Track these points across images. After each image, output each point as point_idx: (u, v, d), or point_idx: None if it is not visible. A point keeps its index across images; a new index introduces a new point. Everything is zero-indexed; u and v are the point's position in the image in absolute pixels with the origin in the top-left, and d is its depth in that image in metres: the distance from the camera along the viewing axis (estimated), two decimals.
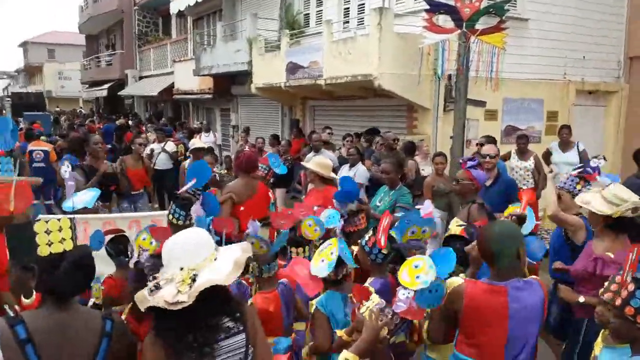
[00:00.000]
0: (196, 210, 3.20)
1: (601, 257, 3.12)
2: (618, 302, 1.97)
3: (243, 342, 1.80)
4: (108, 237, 3.44)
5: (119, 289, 3.23)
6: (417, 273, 2.25)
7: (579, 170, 3.99)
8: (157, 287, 1.70)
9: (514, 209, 3.42)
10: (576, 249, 3.59)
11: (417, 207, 3.61)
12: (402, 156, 6.74)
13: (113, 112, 25.08)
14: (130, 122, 16.94)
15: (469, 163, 4.45)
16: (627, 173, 9.15)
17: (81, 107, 34.78)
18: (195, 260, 1.73)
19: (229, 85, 14.99)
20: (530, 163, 7.48)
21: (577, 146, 7.66)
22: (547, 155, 7.88)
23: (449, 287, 2.38)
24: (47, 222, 1.92)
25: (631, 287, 1.94)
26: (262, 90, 11.97)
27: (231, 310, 1.79)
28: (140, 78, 23.33)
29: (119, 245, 3.44)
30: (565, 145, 7.66)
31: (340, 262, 2.69)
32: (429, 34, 7.79)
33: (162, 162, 9.90)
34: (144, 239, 3.06)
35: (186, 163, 7.09)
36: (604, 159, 4.31)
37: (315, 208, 4.13)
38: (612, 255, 3.11)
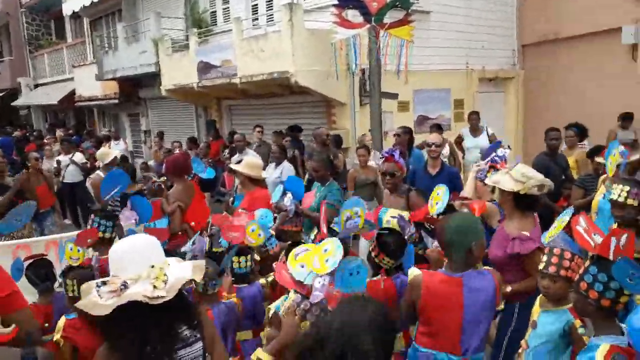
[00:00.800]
0: (127, 217, 3.04)
1: (518, 236, 3.21)
2: (565, 273, 2.18)
3: (200, 351, 1.75)
4: (26, 263, 3.19)
5: (45, 316, 2.99)
6: (326, 257, 2.26)
7: (488, 160, 4.22)
8: (125, 286, 1.60)
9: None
10: (493, 232, 3.81)
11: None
12: (334, 151, 6.82)
13: (7, 124, 23.05)
14: (27, 134, 15.69)
15: (395, 155, 4.53)
16: (529, 151, 9.94)
17: None
18: (161, 259, 1.70)
19: (136, 89, 14.31)
20: (445, 150, 7.81)
21: (487, 130, 8.13)
22: (460, 140, 8.29)
23: (410, 277, 2.48)
24: None
25: (587, 263, 2.01)
26: (173, 92, 11.54)
27: (188, 318, 1.73)
28: (36, 86, 21.61)
29: (40, 270, 3.18)
30: (475, 130, 8.09)
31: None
32: (340, 29, 7.89)
33: (71, 175, 9.25)
34: (71, 249, 3.11)
35: (100, 174, 6.65)
36: (509, 147, 4.62)
37: (240, 210, 4.05)
38: (527, 234, 3.27)
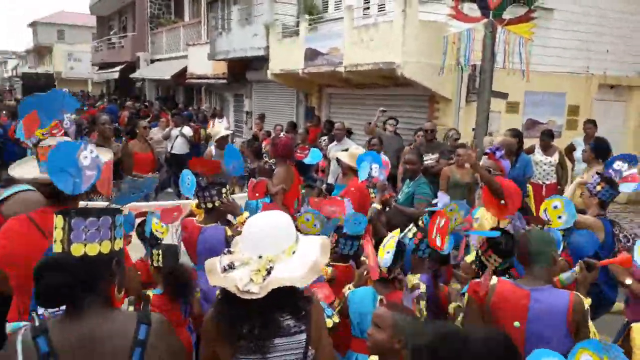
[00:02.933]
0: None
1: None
2: None
3: (303, 343, 1.72)
4: (138, 221, 3.42)
5: (147, 273, 3.20)
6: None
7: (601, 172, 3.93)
8: (231, 266, 1.64)
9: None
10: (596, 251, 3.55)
11: (433, 201, 3.60)
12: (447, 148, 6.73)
13: (123, 94, 25.03)
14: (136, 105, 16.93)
15: (497, 153, 4.37)
16: None
17: (83, 90, 34.52)
18: (275, 251, 1.68)
19: (244, 71, 14.87)
20: (554, 158, 7.38)
21: None
22: (570, 150, 7.76)
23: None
24: (56, 215, 1.61)
25: None
26: (279, 76, 11.85)
27: (295, 308, 1.71)
28: (152, 61, 23.22)
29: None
30: (589, 139, 7.52)
31: (396, 259, 2.61)
32: (455, 22, 7.66)
33: (179, 146, 9.85)
34: (156, 224, 3.18)
35: (212, 150, 7.02)
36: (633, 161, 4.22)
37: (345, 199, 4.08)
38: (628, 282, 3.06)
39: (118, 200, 2.07)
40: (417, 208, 4.49)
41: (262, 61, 12.77)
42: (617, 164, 3.96)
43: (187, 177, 3.52)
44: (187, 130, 10.26)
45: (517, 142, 6.61)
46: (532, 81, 8.94)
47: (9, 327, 2.08)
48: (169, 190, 10.45)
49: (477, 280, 2.76)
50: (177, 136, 10.05)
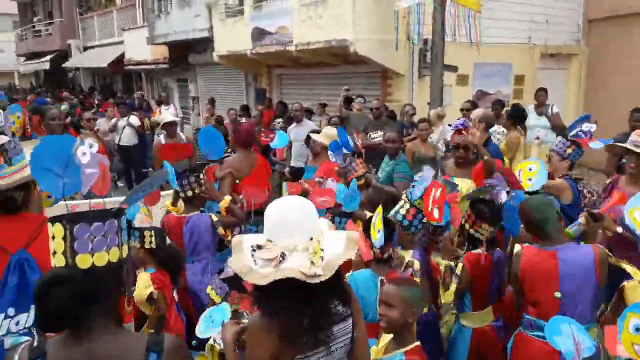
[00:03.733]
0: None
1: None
2: None
3: (350, 328, 1.66)
4: None
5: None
6: None
7: (572, 134, 4.01)
8: (283, 257, 1.52)
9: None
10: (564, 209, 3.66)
11: (417, 176, 3.57)
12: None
13: (55, 85, 23.57)
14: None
15: (467, 125, 4.36)
16: None
17: (10, 82, 32.30)
18: (316, 231, 1.60)
19: (186, 54, 14.33)
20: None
21: (551, 109, 7.77)
22: None
23: (514, 252, 2.60)
24: (52, 224, 1.39)
25: None
26: (226, 58, 11.49)
27: (342, 292, 1.64)
28: (85, 49, 21.98)
29: None
30: (541, 107, 7.75)
31: (388, 237, 2.55)
32: None
33: (127, 138, 9.39)
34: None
35: (161, 138, 6.68)
36: (596, 123, 4.35)
37: (317, 179, 4.00)
38: (619, 230, 3.11)
39: (127, 201, 1.85)
40: (396, 187, 4.45)
41: (205, 43, 12.33)
42: (586, 125, 4.05)
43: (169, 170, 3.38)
44: (134, 120, 9.77)
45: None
46: (480, 53, 9.13)
47: (8, 341, 1.86)
48: (120, 184, 10.00)
49: (475, 251, 2.78)
50: (124, 127, 9.56)
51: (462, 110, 6.83)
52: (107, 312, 1.41)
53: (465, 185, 3.87)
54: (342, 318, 1.62)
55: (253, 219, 3.47)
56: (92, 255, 1.37)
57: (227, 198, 3.57)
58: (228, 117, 10.18)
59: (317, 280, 1.47)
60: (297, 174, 6.66)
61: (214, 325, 2.41)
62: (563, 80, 11.25)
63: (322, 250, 1.53)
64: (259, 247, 1.56)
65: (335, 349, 1.62)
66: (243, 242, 1.62)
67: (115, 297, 1.46)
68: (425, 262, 2.82)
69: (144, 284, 2.90)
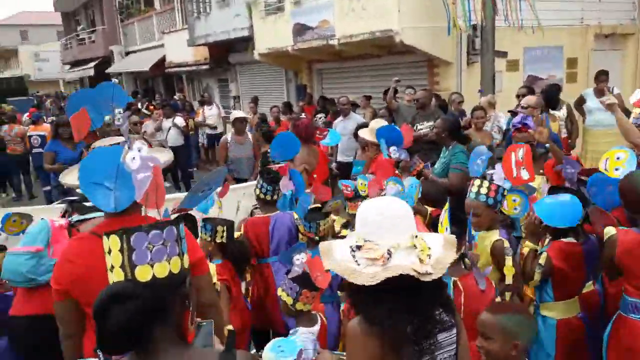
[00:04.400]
0: (286, 185, 3.04)
1: None
2: None
3: (455, 338, 1.53)
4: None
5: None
6: None
7: None
8: (390, 254, 1.40)
9: None
10: None
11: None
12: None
13: None
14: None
15: (527, 122, 4.12)
16: None
17: (57, 91, 33.46)
18: (415, 229, 1.49)
19: (226, 54, 14.38)
20: (563, 112, 7.19)
21: (612, 91, 7.37)
22: (580, 102, 7.60)
23: (605, 236, 2.48)
24: (108, 236, 1.30)
25: None
26: (266, 56, 11.45)
27: (445, 300, 1.52)
28: (127, 53, 22.46)
29: (189, 224, 3.21)
30: (600, 91, 7.35)
31: (458, 235, 2.39)
32: None
33: (173, 139, 9.49)
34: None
35: (228, 136, 6.79)
36: None
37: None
38: None
39: (187, 202, 1.76)
40: (450, 178, 4.27)
41: (246, 42, 12.32)
42: None
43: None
44: (180, 121, 9.90)
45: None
46: (530, 37, 8.76)
47: None
48: (167, 184, 10.15)
49: (564, 240, 2.61)
50: (169, 128, 9.68)
51: (518, 96, 6.53)
52: (172, 329, 1.30)
53: (536, 182, 3.68)
54: (447, 326, 1.50)
55: (309, 216, 3.39)
56: (152, 266, 1.26)
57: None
58: (271, 114, 10.16)
59: (429, 279, 1.36)
60: (345, 168, 6.54)
61: (283, 355, 2.30)
62: (619, 61, 10.69)
63: (429, 248, 1.42)
64: (358, 247, 1.44)
65: (440, 358, 1.49)
66: (333, 248, 1.51)
67: (180, 311, 1.34)
68: (514, 242, 2.68)
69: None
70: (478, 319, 1.98)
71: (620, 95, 7.40)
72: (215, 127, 11.78)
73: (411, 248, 1.41)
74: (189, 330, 1.44)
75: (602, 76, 7.34)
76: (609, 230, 2.49)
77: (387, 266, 1.38)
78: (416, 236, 1.43)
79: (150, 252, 1.26)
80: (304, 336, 2.54)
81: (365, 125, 5.33)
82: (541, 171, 3.84)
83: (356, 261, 1.41)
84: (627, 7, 10.42)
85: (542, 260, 2.58)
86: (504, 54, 8.46)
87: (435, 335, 1.45)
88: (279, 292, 2.61)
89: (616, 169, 2.81)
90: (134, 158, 1.54)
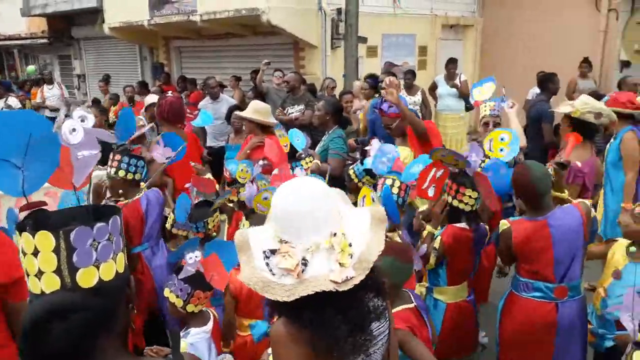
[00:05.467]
0: (162, 153, 2.67)
1: (573, 166, 3.21)
2: None
3: (387, 325, 1.42)
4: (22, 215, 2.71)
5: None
6: None
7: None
8: (305, 263, 1.24)
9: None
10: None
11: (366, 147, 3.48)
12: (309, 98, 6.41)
13: None
14: None
15: (384, 107, 4.21)
16: None
17: None
18: (338, 221, 1.31)
19: (68, 27, 12.87)
20: (418, 97, 7.66)
21: (459, 78, 8.04)
22: (433, 88, 8.17)
23: (500, 229, 2.63)
24: (33, 234, 1.00)
25: None
26: (118, 30, 10.45)
27: (376, 283, 1.36)
28: None
29: None
30: (450, 78, 7.97)
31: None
32: None
33: None
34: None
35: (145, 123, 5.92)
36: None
37: (262, 162, 3.69)
38: (579, 164, 3.27)
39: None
40: (331, 164, 4.24)
41: (91, 15, 11.12)
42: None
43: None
44: (14, 102, 8.63)
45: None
46: (387, 24, 9.20)
47: None
48: None
49: (456, 225, 2.73)
50: (1, 109, 8.38)
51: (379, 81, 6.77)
52: (116, 337, 1.07)
53: (404, 153, 3.81)
54: (379, 313, 1.37)
55: (195, 215, 3.08)
56: (98, 268, 1.01)
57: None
58: (124, 94, 9.36)
59: (350, 286, 1.23)
60: (217, 154, 6.23)
61: None
62: (461, 50, 11.74)
63: (350, 246, 1.27)
64: (273, 252, 1.27)
65: (373, 351, 1.38)
66: (250, 241, 1.32)
67: (125, 316, 1.11)
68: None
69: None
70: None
71: (466, 82, 8.11)
72: (57, 110, 10.55)
73: (330, 250, 1.26)
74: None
75: (451, 64, 7.95)
76: (503, 223, 2.62)
77: (302, 279, 1.23)
78: (335, 234, 1.27)
79: (96, 250, 1.01)
80: (197, 337, 2.33)
81: (237, 107, 5.07)
82: None
83: (270, 270, 1.25)
84: (468, 0, 11.44)
85: (436, 243, 2.66)
86: (364, 40, 8.73)
87: (369, 326, 1.34)
88: (166, 293, 2.35)
89: (501, 150, 2.98)
90: (74, 130, 1.18)
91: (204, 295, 2.35)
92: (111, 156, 2.99)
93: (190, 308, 2.34)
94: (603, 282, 2.64)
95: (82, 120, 1.17)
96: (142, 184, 3.09)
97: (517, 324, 2.58)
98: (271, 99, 6.69)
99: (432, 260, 2.63)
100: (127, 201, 2.94)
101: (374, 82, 6.63)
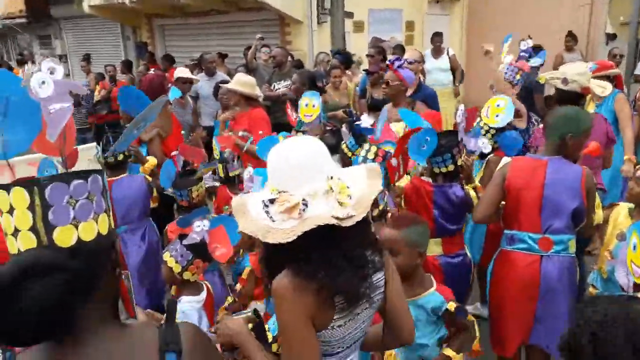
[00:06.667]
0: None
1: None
2: None
3: (383, 279, 1.43)
4: None
5: None
6: None
7: (515, 59, 4.11)
8: (306, 205, 1.24)
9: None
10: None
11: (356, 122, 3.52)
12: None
13: None
14: None
15: (396, 63, 4.26)
16: (471, 77, 10.04)
17: None
18: (332, 166, 1.35)
19: (47, 6, 12.55)
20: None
21: (447, 52, 8.00)
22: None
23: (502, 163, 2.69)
24: (7, 190, 0.95)
25: None
26: (99, 9, 10.23)
27: (371, 240, 1.39)
28: None
29: None
30: (437, 52, 7.93)
31: None
32: None
33: None
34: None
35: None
36: (530, 37, 4.48)
37: (241, 134, 3.68)
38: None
39: (121, 144, 1.37)
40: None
41: None
42: (523, 43, 4.17)
43: None
44: None
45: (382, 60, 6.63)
46: None
47: None
48: None
49: (420, 177, 2.88)
50: None
51: (368, 56, 6.70)
52: (103, 306, 1.03)
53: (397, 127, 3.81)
54: (378, 267, 1.40)
55: (179, 183, 3.08)
56: (77, 227, 0.97)
57: (154, 160, 3.15)
58: (106, 74, 9.21)
59: (352, 222, 1.24)
60: (212, 133, 6.17)
61: None
62: (447, 25, 11.66)
63: (347, 187, 1.29)
64: (272, 201, 1.27)
65: (376, 299, 1.42)
66: (247, 203, 1.33)
67: (111, 282, 1.06)
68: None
69: None
70: (382, 236, 1.99)
71: (455, 56, 8.09)
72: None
73: (329, 192, 1.28)
74: (132, 304, 1.16)
75: (436, 37, 7.90)
76: (505, 159, 2.72)
77: (304, 217, 1.24)
78: (332, 177, 1.29)
79: (73, 208, 0.96)
80: (188, 305, 2.34)
81: (226, 82, 5.00)
82: None
83: (270, 217, 1.25)
84: None
85: (399, 191, 2.79)
86: (350, 15, 8.63)
87: (371, 277, 1.36)
88: (166, 256, 2.34)
89: (496, 116, 3.06)
90: (43, 82, 1.09)
91: (202, 265, 2.35)
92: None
93: (187, 275, 2.34)
94: (608, 245, 2.64)
95: (52, 73, 1.10)
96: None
97: (500, 279, 2.57)
98: (260, 74, 6.61)
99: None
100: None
101: (342, 59, 6.59)
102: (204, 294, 2.43)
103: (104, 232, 1.02)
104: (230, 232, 2.21)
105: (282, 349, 1.37)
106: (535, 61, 4.01)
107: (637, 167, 2.64)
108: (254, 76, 6.44)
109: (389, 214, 2.47)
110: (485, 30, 11.02)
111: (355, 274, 1.29)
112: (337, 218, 1.22)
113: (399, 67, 4.08)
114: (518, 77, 3.94)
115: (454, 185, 2.83)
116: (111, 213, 1.08)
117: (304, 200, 1.24)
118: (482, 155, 3.30)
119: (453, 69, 7.81)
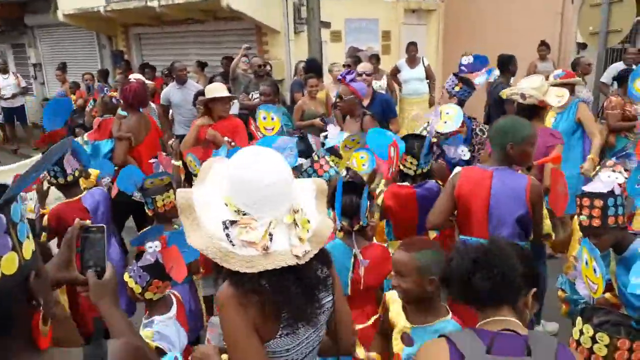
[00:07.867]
0: (69, 162, 2.69)
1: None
2: (597, 222, 2.08)
3: (331, 291, 1.43)
4: None
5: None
6: None
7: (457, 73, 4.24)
8: (271, 237, 1.24)
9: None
10: None
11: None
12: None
13: None
14: None
15: (347, 77, 4.33)
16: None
17: None
18: (295, 195, 1.33)
19: (21, 14, 12.36)
20: (383, 82, 7.69)
21: (423, 61, 8.10)
22: (395, 72, 8.20)
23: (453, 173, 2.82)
24: None
25: (598, 202, 2.07)
26: (73, 17, 10.10)
27: (322, 253, 1.38)
28: None
29: None
30: (412, 62, 8.03)
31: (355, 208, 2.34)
32: None
33: None
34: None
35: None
36: (470, 54, 4.58)
37: (227, 139, 3.72)
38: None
39: (17, 186, 1.35)
40: None
41: (44, 1, 10.72)
42: (463, 59, 4.28)
43: None
44: None
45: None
46: (350, 9, 9.18)
47: None
48: None
49: (400, 184, 3.01)
50: None
51: (344, 65, 6.78)
52: (19, 338, 0.99)
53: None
54: (326, 283, 1.41)
55: (149, 190, 3.04)
56: None
57: (96, 171, 3.20)
58: (83, 82, 9.13)
59: (307, 259, 1.26)
60: None
61: None
62: (424, 35, 11.82)
63: (308, 221, 1.30)
64: (232, 222, 1.25)
65: (320, 318, 1.41)
66: (194, 205, 1.27)
67: (26, 314, 1.00)
68: None
69: None
70: (392, 258, 1.96)
71: (429, 66, 8.20)
72: (12, 98, 10.26)
73: (291, 226, 1.27)
74: (42, 335, 1.12)
75: (411, 47, 8.00)
76: (457, 169, 2.82)
77: (268, 252, 1.23)
78: (296, 211, 1.28)
79: None
80: (161, 324, 2.31)
81: (204, 92, 5.01)
82: None
83: (230, 241, 1.23)
84: None
85: (379, 200, 2.86)
86: (327, 24, 8.69)
87: (319, 295, 1.36)
88: (126, 277, 2.31)
89: (445, 122, 3.22)
90: None
91: (163, 284, 2.32)
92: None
93: (148, 295, 2.30)
94: (572, 250, 2.72)
95: None
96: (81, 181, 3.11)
97: None
98: (240, 84, 6.63)
99: (376, 216, 2.79)
100: (67, 200, 2.95)
101: (310, 67, 6.66)
102: (174, 308, 2.40)
103: (9, 272, 0.95)
104: (186, 248, 2.14)
105: (228, 357, 1.36)
106: (480, 80, 4.14)
107: (596, 168, 2.72)
108: (233, 85, 6.49)
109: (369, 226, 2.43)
110: (461, 40, 11.19)
111: (304, 292, 1.30)
112: (297, 257, 1.24)
113: (351, 80, 4.16)
114: (457, 89, 4.04)
115: (429, 182, 3.02)
116: (29, 244, 1.00)
117: (270, 233, 1.23)
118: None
119: (428, 79, 7.91)
